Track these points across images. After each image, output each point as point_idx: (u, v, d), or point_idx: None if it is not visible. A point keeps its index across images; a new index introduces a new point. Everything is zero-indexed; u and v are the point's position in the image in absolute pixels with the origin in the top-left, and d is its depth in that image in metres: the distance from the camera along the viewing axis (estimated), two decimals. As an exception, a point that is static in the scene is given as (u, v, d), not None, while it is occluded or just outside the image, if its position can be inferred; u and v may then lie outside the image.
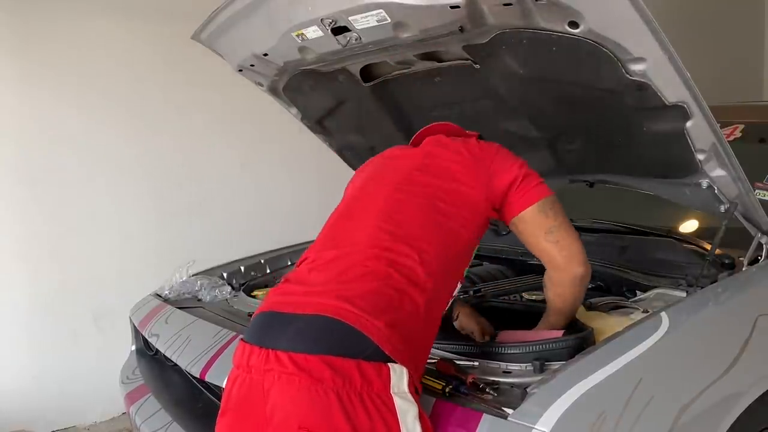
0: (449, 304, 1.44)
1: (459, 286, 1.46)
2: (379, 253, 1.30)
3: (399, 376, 1.18)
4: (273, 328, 1.25)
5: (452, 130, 1.63)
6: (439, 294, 1.34)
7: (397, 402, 1.16)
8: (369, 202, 1.45)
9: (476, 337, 1.66)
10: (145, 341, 2.27)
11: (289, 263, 2.62)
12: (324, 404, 1.13)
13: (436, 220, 1.38)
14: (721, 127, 1.56)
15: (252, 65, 2.09)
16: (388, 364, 1.18)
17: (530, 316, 1.65)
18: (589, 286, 1.92)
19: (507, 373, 1.37)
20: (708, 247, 1.72)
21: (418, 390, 1.24)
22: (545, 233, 1.46)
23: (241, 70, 2.16)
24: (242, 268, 2.57)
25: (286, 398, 1.16)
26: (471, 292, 1.94)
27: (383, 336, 1.18)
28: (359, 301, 1.22)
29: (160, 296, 2.37)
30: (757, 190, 1.88)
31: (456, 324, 1.69)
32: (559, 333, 1.47)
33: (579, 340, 1.42)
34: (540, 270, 2.00)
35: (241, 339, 1.30)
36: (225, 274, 2.51)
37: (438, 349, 1.51)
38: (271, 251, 2.69)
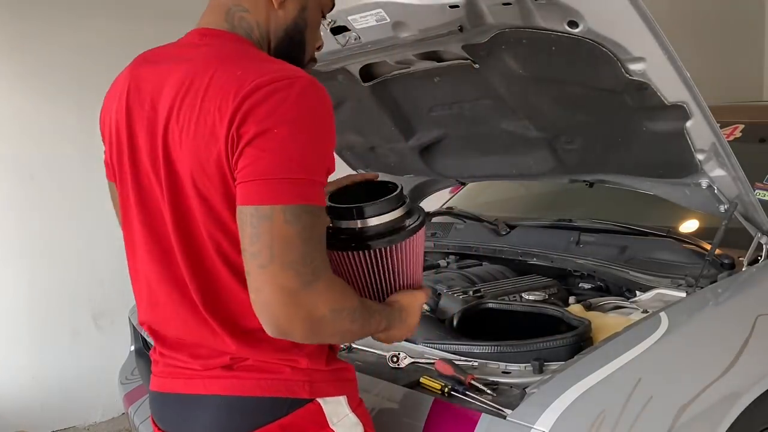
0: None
1: None
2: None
3: (335, 404, 1.07)
4: (180, 414, 1.10)
5: None
6: None
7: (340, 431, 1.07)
8: None
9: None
10: (144, 341, 2.26)
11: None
12: None
13: None
14: (721, 127, 1.56)
15: (251, 65, 2.09)
16: (316, 400, 1.05)
17: (530, 316, 1.64)
18: (589, 286, 1.94)
19: (506, 373, 1.37)
20: (708, 247, 1.72)
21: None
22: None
23: (240, 70, 2.15)
24: (242, 268, 2.56)
25: None
26: (471, 293, 1.94)
27: (294, 384, 1.04)
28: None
29: (159, 296, 2.37)
30: (757, 190, 1.88)
31: None
32: None
33: (577, 337, 1.42)
34: (540, 270, 2.02)
35: (153, 422, 1.19)
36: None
37: (437, 349, 1.51)
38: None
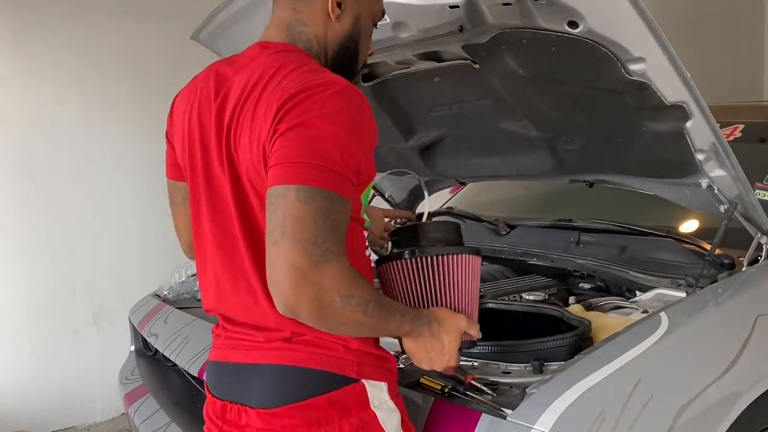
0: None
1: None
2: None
3: (378, 389, 1.14)
4: (236, 381, 1.18)
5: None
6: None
7: (379, 415, 1.14)
8: None
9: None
10: (144, 341, 2.27)
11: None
12: None
13: None
14: (721, 127, 1.56)
15: (251, 65, 2.09)
16: (362, 381, 1.13)
17: (530, 316, 1.64)
18: (589, 286, 1.94)
19: (506, 373, 1.37)
20: (708, 247, 1.72)
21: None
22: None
23: (240, 70, 2.16)
24: (242, 268, 2.57)
25: None
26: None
27: (345, 363, 1.12)
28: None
29: (159, 296, 2.37)
30: (757, 190, 1.88)
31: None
32: None
33: (577, 337, 1.42)
34: (540, 270, 2.02)
35: (209, 390, 1.26)
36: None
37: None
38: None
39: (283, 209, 0.97)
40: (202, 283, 1.27)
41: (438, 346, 1.15)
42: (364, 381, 1.13)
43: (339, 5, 1.18)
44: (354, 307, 1.00)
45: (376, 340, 1.17)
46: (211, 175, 1.17)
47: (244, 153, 1.09)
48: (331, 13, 1.17)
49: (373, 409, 1.13)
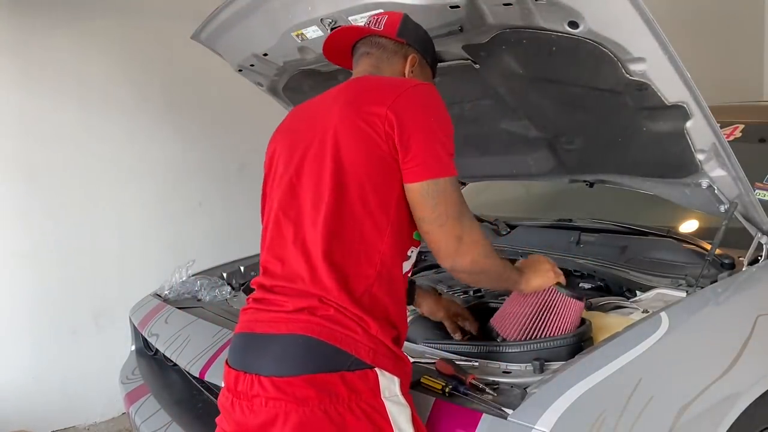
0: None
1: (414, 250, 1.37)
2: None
3: (390, 381, 1.19)
4: (253, 351, 1.24)
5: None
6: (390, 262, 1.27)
7: (389, 407, 1.17)
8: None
9: (449, 328, 1.68)
10: (145, 341, 2.26)
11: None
12: (312, 423, 1.14)
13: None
14: (721, 127, 1.56)
15: (252, 65, 2.09)
16: (375, 369, 1.18)
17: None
18: (589, 286, 1.94)
19: (507, 373, 1.37)
20: (708, 247, 1.72)
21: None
22: (417, 219, 1.28)
23: (240, 70, 2.16)
24: (242, 268, 2.57)
25: (275, 423, 1.16)
26: (471, 293, 1.94)
27: (362, 346, 1.18)
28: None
29: (159, 296, 2.37)
30: (757, 190, 1.88)
31: (420, 311, 1.70)
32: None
33: (577, 337, 1.42)
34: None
35: (226, 361, 1.30)
36: (225, 274, 2.51)
37: (438, 349, 1.51)
38: (271, 251, 2.68)
39: (444, 198, 1.24)
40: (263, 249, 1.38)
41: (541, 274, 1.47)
42: (377, 370, 1.18)
43: (412, 71, 1.46)
44: (493, 260, 1.31)
45: (396, 340, 1.25)
46: (304, 168, 1.38)
47: (351, 148, 1.28)
48: (406, 74, 1.46)
49: (383, 399, 1.17)
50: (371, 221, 1.24)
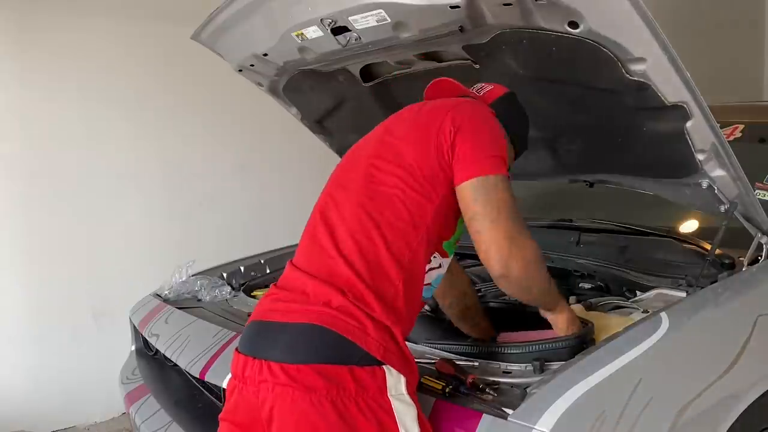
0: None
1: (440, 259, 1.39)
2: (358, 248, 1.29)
3: (396, 379, 1.19)
4: (264, 338, 1.25)
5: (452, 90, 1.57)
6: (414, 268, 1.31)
7: (395, 405, 1.17)
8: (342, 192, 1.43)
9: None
10: (145, 341, 2.26)
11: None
12: (319, 413, 1.14)
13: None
14: (721, 127, 1.56)
15: (252, 65, 2.09)
16: (383, 366, 1.19)
17: (529, 316, 1.64)
18: (590, 286, 1.94)
19: (507, 373, 1.37)
20: (708, 247, 1.72)
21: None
22: (468, 219, 1.31)
23: (241, 70, 2.16)
24: (242, 268, 2.57)
25: (281, 409, 1.17)
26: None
27: (373, 341, 1.19)
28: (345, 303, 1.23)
29: (159, 296, 2.37)
30: (757, 190, 1.88)
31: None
32: (555, 333, 1.47)
33: (579, 339, 1.42)
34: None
35: (236, 349, 1.31)
36: (225, 274, 2.51)
37: (438, 349, 1.51)
38: (271, 251, 2.69)
39: (495, 196, 1.29)
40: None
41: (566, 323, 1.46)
42: (385, 367, 1.18)
43: None
44: (542, 269, 1.32)
45: (402, 336, 1.25)
46: (356, 159, 1.52)
47: (411, 146, 1.38)
48: None
49: (389, 397, 1.18)
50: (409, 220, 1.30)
